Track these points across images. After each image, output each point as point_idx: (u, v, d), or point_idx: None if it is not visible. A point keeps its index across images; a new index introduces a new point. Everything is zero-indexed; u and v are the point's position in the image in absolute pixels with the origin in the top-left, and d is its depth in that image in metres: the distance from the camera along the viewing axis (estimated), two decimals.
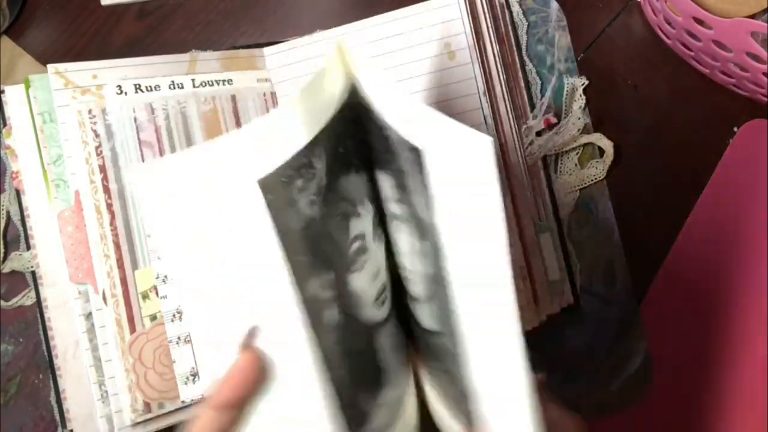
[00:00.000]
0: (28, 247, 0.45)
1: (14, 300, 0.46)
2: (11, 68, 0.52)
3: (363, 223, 0.31)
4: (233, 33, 0.53)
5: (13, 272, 0.46)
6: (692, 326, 0.48)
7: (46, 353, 0.43)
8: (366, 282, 0.31)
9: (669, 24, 0.49)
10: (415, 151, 0.25)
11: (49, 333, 0.43)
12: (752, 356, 0.48)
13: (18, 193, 0.44)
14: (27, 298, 0.46)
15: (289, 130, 0.27)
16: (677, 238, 0.50)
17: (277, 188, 0.27)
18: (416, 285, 0.31)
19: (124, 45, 0.53)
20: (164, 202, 0.27)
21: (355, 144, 0.31)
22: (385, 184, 0.31)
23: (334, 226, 0.29)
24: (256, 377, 0.28)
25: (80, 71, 0.42)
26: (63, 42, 0.53)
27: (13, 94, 0.43)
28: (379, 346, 0.32)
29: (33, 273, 0.44)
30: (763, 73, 0.46)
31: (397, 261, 0.33)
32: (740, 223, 0.50)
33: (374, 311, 0.31)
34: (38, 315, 0.44)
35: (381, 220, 0.33)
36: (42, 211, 0.43)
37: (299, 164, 0.28)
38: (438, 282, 0.28)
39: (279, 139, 0.27)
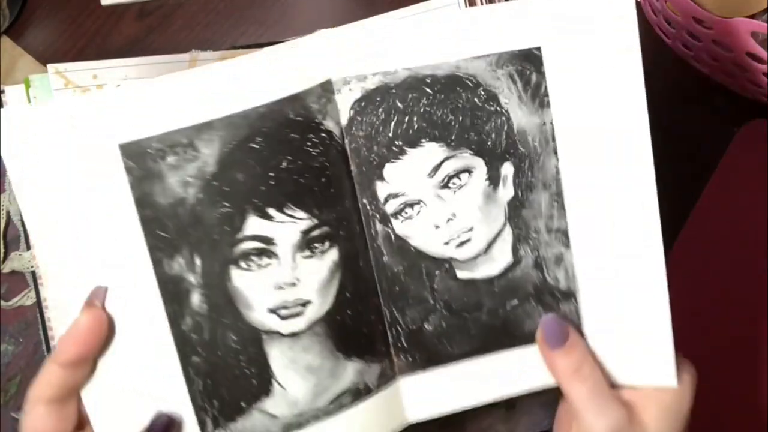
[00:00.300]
0: (28, 247, 0.45)
1: (14, 300, 0.46)
2: (11, 68, 0.52)
3: (278, 229, 0.30)
4: (233, 33, 0.53)
5: (13, 272, 0.46)
6: (692, 326, 0.48)
7: (46, 353, 0.43)
8: (258, 286, 0.30)
9: (669, 24, 0.49)
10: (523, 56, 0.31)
11: (49, 333, 0.43)
12: (753, 357, 0.48)
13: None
14: (27, 298, 0.46)
15: (174, 105, 0.28)
16: (678, 238, 0.50)
17: (141, 157, 0.28)
18: (480, 239, 0.32)
19: (124, 45, 0.53)
20: (32, 148, 0.28)
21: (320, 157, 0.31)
22: (421, 160, 0.32)
23: (216, 216, 0.29)
24: (100, 335, 0.29)
25: (80, 71, 0.42)
26: (63, 42, 0.53)
27: (13, 94, 0.43)
28: (269, 356, 0.31)
29: (33, 273, 0.44)
30: (763, 73, 0.46)
31: (434, 252, 0.33)
32: (741, 223, 0.50)
33: (270, 319, 0.31)
34: (38, 315, 0.43)
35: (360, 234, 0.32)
36: None
37: (173, 142, 0.28)
38: (524, 200, 0.32)
39: (158, 109, 0.28)
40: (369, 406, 0.33)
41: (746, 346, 0.48)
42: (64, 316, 0.29)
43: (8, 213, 0.47)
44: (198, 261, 0.30)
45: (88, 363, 0.29)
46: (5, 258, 0.46)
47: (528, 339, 0.33)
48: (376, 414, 0.33)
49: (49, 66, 0.42)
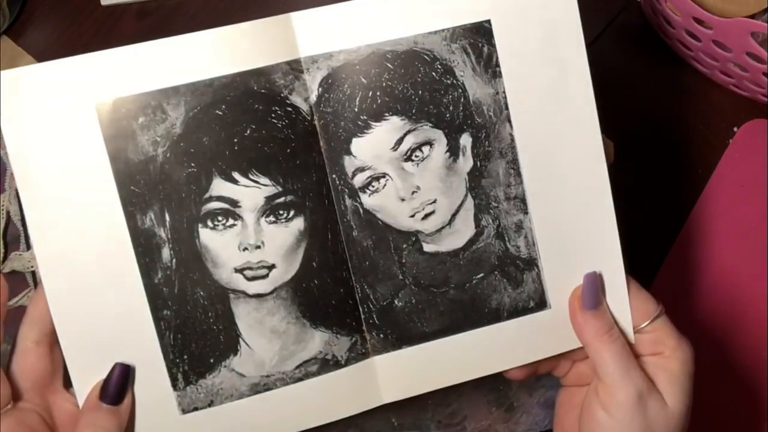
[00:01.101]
0: (28, 247, 0.45)
1: (14, 300, 0.46)
2: (11, 68, 0.51)
3: (243, 192, 0.32)
4: None
5: (13, 272, 0.46)
6: (691, 326, 0.48)
7: None
8: (224, 245, 0.32)
9: (669, 24, 0.49)
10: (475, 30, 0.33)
11: None
12: (752, 355, 0.48)
13: (18, 193, 0.44)
14: (27, 298, 0.46)
15: (145, 70, 0.31)
16: (677, 237, 0.50)
17: (114, 116, 0.31)
18: (444, 211, 0.34)
19: (123, 45, 0.53)
20: (21, 106, 0.31)
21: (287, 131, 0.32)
22: (385, 134, 0.33)
23: (184, 175, 0.32)
24: (5, 297, 0.32)
25: None
26: (63, 42, 0.53)
27: None
28: (236, 315, 0.33)
29: (33, 273, 0.44)
30: (763, 73, 0.46)
31: (402, 224, 0.34)
32: (740, 222, 0.50)
33: (236, 279, 0.33)
34: None
35: (327, 206, 0.33)
36: None
37: (143, 103, 0.31)
38: (483, 170, 0.34)
39: (130, 73, 0.31)
40: (338, 379, 0.34)
41: (746, 345, 0.48)
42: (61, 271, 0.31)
43: (8, 213, 0.47)
44: (168, 217, 0.32)
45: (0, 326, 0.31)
46: (5, 258, 0.46)
47: (496, 317, 0.35)
48: (347, 388, 0.34)
49: None
